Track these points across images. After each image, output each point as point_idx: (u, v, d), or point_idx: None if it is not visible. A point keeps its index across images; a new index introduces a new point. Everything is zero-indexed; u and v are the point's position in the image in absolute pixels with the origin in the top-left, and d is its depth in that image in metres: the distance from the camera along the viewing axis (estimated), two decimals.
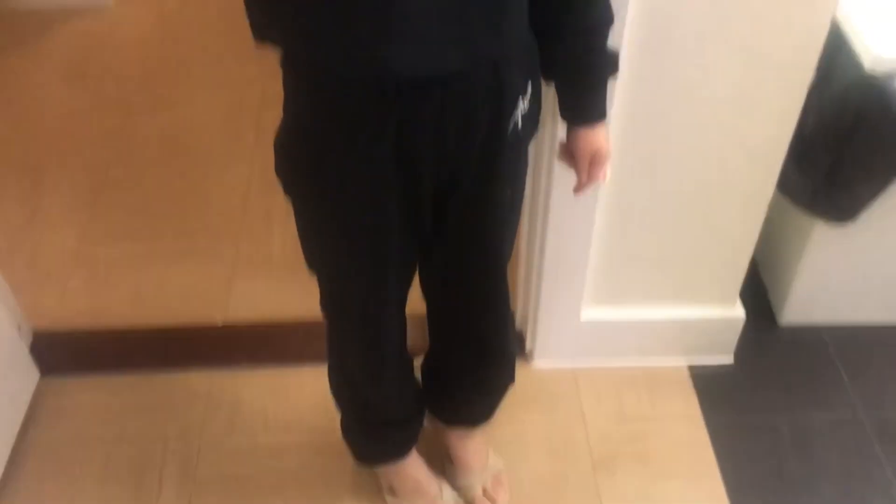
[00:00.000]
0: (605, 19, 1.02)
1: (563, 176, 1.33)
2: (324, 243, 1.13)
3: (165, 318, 1.78)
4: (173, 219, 2.00)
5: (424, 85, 0.91)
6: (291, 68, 0.98)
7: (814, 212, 1.51)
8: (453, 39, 0.89)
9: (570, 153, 1.13)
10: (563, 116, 1.11)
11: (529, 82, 1.01)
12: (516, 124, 1.01)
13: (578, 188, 1.15)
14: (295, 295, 1.79)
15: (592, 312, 1.61)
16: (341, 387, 1.36)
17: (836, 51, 1.39)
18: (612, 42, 1.05)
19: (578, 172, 1.13)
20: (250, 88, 2.36)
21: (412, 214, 1.06)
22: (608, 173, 1.14)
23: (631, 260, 1.53)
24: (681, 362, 1.70)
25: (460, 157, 1.00)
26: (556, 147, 1.19)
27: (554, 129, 1.29)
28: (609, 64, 1.06)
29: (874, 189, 1.42)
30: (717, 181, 1.42)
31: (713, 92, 1.30)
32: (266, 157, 1.85)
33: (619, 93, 1.28)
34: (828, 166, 1.43)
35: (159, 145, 2.21)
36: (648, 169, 1.40)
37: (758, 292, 1.82)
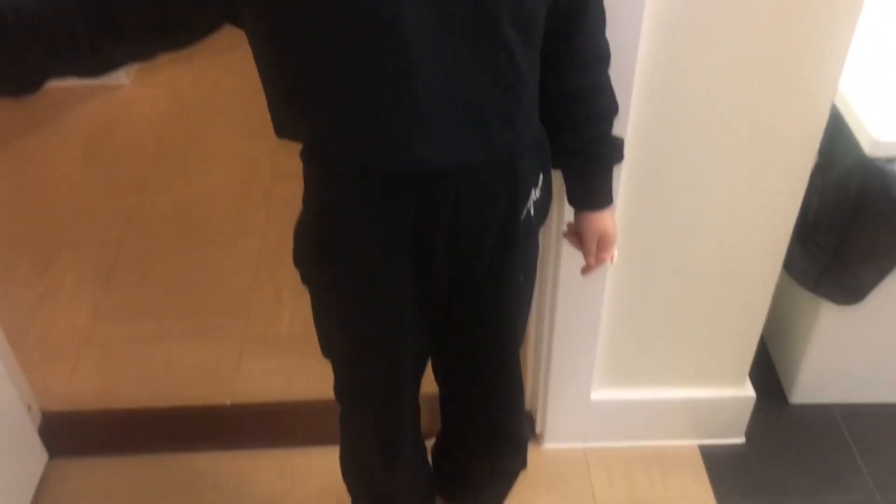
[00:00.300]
0: (611, 109, 1.06)
1: (571, 259, 1.35)
2: (341, 332, 1.14)
3: (174, 398, 1.78)
4: (184, 296, 2.02)
5: (443, 176, 0.94)
6: (312, 161, 1.00)
7: (820, 293, 1.52)
8: (470, 133, 0.92)
9: (577, 235, 1.16)
10: (571, 202, 1.13)
11: (541, 174, 1.04)
12: (529, 212, 1.04)
13: (586, 270, 1.17)
14: (303, 374, 1.80)
15: (602, 393, 1.61)
16: (354, 473, 1.35)
17: (837, 135, 1.42)
18: (616, 130, 1.08)
19: (586, 255, 1.15)
20: (261, 165, 2.40)
21: (427, 303, 1.07)
22: (616, 255, 1.16)
23: (640, 341, 1.54)
24: (692, 442, 1.69)
25: (475, 245, 1.02)
26: (564, 229, 1.21)
27: (561, 212, 1.31)
28: (615, 151, 1.09)
29: (880, 271, 1.43)
30: (723, 264, 1.43)
31: (717, 177, 1.33)
32: (276, 231, 1.85)
33: (625, 178, 1.30)
34: (833, 248, 1.44)
35: (172, 222, 2.24)
36: (656, 251, 1.41)
37: (768, 371, 1.82)
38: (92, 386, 1.81)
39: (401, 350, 1.12)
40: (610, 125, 1.07)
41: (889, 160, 1.34)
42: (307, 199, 1.04)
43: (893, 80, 1.45)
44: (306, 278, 1.10)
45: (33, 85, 0.90)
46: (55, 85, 2.87)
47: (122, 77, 2.80)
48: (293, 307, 1.96)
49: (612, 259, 1.15)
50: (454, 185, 0.95)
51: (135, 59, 0.92)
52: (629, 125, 1.24)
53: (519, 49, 0.89)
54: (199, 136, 2.56)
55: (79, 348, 1.89)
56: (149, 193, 2.34)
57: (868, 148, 1.35)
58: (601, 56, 1.03)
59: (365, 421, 1.23)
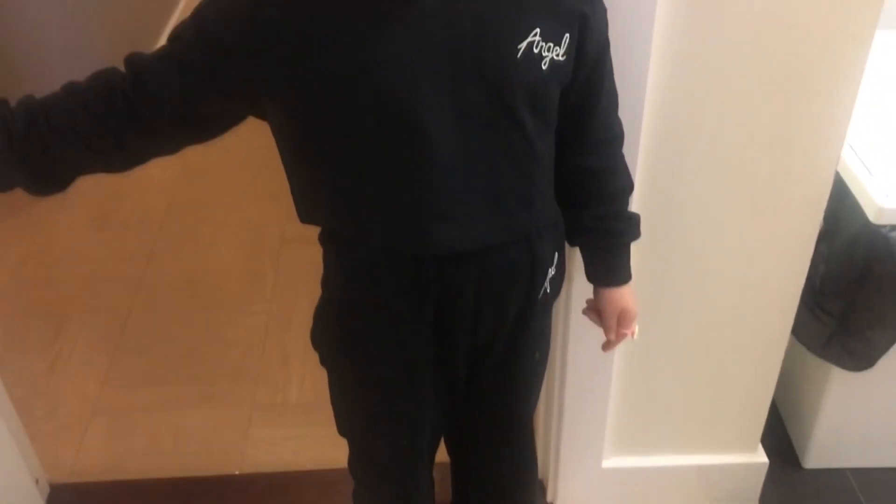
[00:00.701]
0: (626, 186, 1.08)
1: (580, 328, 1.35)
2: (360, 413, 1.14)
3: (182, 468, 1.76)
4: (192, 363, 2.02)
5: (464, 258, 0.96)
6: (334, 244, 1.01)
7: (829, 359, 1.52)
8: (490, 216, 0.94)
9: (596, 312, 1.16)
10: (590, 279, 1.14)
11: (556, 252, 1.05)
12: (546, 290, 1.05)
13: (607, 346, 1.18)
14: (313, 442, 1.78)
15: (614, 461, 1.59)
16: None
17: (842, 201, 1.44)
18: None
19: (607, 331, 1.16)
20: (269, 229, 2.42)
21: (446, 381, 1.08)
22: (637, 330, 1.16)
23: (650, 409, 1.53)
24: None
25: (495, 324, 1.03)
26: (583, 304, 1.22)
27: (569, 285, 1.32)
28: (632, 228, 1.10)
29: (889, 337, 1.43)
30: (732, 330, 1.44)
31: (723, 245, 1.34)
32: (284, 297, 1.85)
33: (634, 248, 1.31)
34: (840, 314, 1.44)
35: (180, 289, 2.25)
36: (664, 318, 1.42)
37: (781, 436, 1.80)
38: (100, 457, 1.80)
39: (420, 428, 1.12)
40: (626, 202, 1.09)
41: (893, 227, 1.35)
42: (327, 282, 1.05)
43: (893, 147, 1.46)
44: (326, 359, 1.10)
45: (63, 183, 0.93)
46: None
47: None
48: (301, 373, 1.96)
49: (633, 335, 1.16)
50: (476, 266, 0.97)
51: (163, 153, 0.95)
52: (634, 195, 1.25)
53: (534, 131, 0.91)
54: (208, 202, 2.59)
55: (87, 418, 1.88)
56: (158, 260, 2.35)
57: (872, 215, 1.36)
58: (616, 135, 1.05)
59: (381, 497, 1.22)
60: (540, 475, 1.67)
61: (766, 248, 1.35)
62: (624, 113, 1.10)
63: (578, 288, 1.27)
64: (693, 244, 1.34)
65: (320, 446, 1.77)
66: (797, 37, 1.14)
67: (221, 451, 1.80)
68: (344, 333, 1.06)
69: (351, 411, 1.15)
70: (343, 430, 1.17)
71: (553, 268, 1.05)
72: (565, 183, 1.04)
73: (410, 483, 1.19)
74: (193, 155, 3.02)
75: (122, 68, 0.91)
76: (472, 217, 0.93)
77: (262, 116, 0.91)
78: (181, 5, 3.31)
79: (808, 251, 1.37)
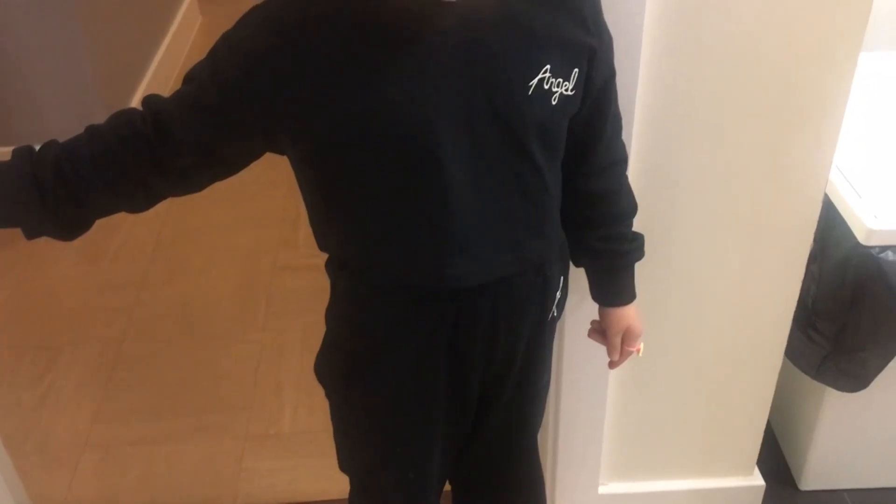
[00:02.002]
0: (630, 208, 1.10)
1: (574, 352, 1.36)
2: (367, 448, 1.13)
3: (175, 501, 1.74)
4: (185, 394, 2.00)
5: (478, 290, 0.96)
6: (345, 273, 1.00)
7: (823, 380, 1.52)
8: (503, 247, 0.95)
9: (601, 333, 1.17)
10: (596, 300, 1.16)
11: (562, 276, 1.07)
12: (553, 314, 1.07)
13: (612, 365, 1.19)
14: (307, 472, 1.77)
15: (611, 487, 1.59)
16: None
17: (832, 223, 1.44)
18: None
19: (611, 350, 1.17)
20: (261, 258, 2.42)
21: (458, 411, 1.08)
22: (642, 347, 1.18)
23: (646, 433, 1.52)
24: None
25: (510, 351, 1.03)
26: (575, 326, 1.23)
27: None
28: (637, 248, 1.12)
29: (882, 358, 1.43)
30: (725, 354, 1.44)
31: (714, 268, 1.34)
32: (276, 325, 1.84)
33: None
34: (833, 335, 1.45)
35: (172, 320, 2.24)
36: (657, 343, 1.42)
37: (777, 459, 1.79)
38: (91, 491, 1.77)
39: (429, 459, 1.11)
40: (630, 223, 1.11)
41: (883, 249, 1.36)
42: (335, 314, 1.04)
43: (885, 170, 1.48)
44: (332, 392, 1.09)
45: (89, 224, 0.95)
46: None
47: None
48: (295, 403, 1.95)
49: (638, 352, 1.17)
50: (490, 297, 0.97)
51: (189, 192, 0.96)
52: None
53: (544, 163, 0.92)
54: (198, 231, 2.58)
55: (79, 451, 1.86)
56: (149, 291, 2.34)
57: (862, 237, 1.37)
58: (621, 158, 1.07)
59: None
60: None
61: (757, 273, 1.36)
62: None
63: (571, 311, 1.28)
64: (684, 269, 1.34)
65: (314, 477, 1.75)
66: (783, 61, 1.15)
67: (215, 483, 1.78)
68: (353, 367, 1.05)
69: (356, 443, 1.13)
70: (345, 465, 1.15)
71: (560, 290, 1.06)
72: (571, 205, 1.05)
73: None
74: None
75: (136, 106, 0.92)
76: (487, 251, 0.93)
77: (280, 152, 0.92)
78: (170, 33, 3.32)
79: (799, 274, 1.37)
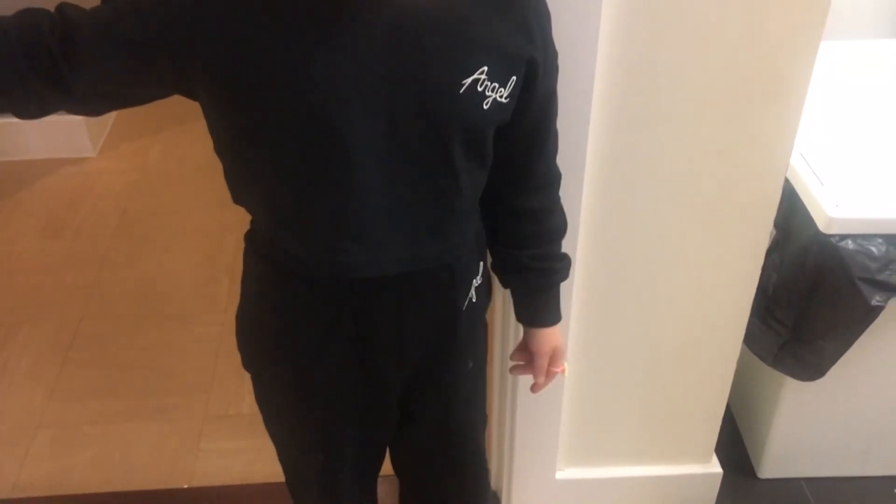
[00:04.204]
0: (562, 227, 1.08)
1: None
2: (279, 422, 1.12)
3: (130, 482, 1.72)
4: (143, 374, 1.98)
5: (379, 283, 0.94)
6: (253, 245, 1.00)
7: (780, 369, 1.51)
8: (400, 244, 0.92)
9: (527, 356, 1.16)
10: (523, 321, 1.14)
11: (481, 263, 1.04)
12: (471, 299, 1.04)
13: (536, 388, 1.17)
14: (265, 455, 1.71)
15: (568, 472, 1.58)
16: None
17: (794, 211, 1.44)
18: (570, 212, 1.09)
19: (537, 373, 1.15)
20: (225, 239, 2.39)
21: (375, 399, 1.06)
22: (567, 368, 1.17)
23: (603, 419, 1.52)
24: None
25: (420, 344, 1.01)
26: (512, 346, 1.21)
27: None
28: (565, 268, 1.10)
29: (838, 347, 1.43)
30: (683, 341, 1.43)
31: (673, 254, 1.33)
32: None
33: (582, 257, 1.30)
34: (792, 324, 1.44)
35: (133, 298, 2.21)
36: (615, 329, 1.41)
37: (737, 446, 1.80)
38: (45, 471, 1.75)
39: (337, 443, 1.10)
40: (560, 243, 1.09)
41: (843, 237, 1.35)
42: (245, 283, 1.03)
43: (846, 158, 1.47)
44: (245, 363, 1.08)
45: None
46: (20, 158, 2.85)
47: (90, 149, 2.79)
48: None
49: (563, 371, 1.16)
50: (392, 292, 0.95)
51: (81, 114, 0.91)
52: (583, 206, 1.24)
53: (463, 169, 0.90)
54: (163, 210, 2.55)
55: (33, 431, 1.83)
56: (110, 269, 2.31)
57: (822, 225, 1.36)
58: (556, 177, 1.05)
59: None
60: (494, 487, 1.65)
61: (716, 258, 1.35)
62: (569, 125, 1.09)
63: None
64: (642, 254, 1.33)
65: (272, 459, 1.69)
66: (744, 48, 1.14)
67: (171, 464, 1.76)
68: (261, 339, 1.04)
69: (270, 418, 1.12)
70: (270, 435, 1.15)
71: (479, 277, 1.03)
72: (503, 222, 1.04)
73: (332, 498, 1.17)
74: (151, 163, 2.98)
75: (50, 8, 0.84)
76: (383, 244, 0.91)
77: (192, 98, 0.88)
78: None
79: (759, 261, 1.37)
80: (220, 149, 0.91)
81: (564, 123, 1.04)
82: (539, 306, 1.11)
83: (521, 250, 1.05)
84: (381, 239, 0.90)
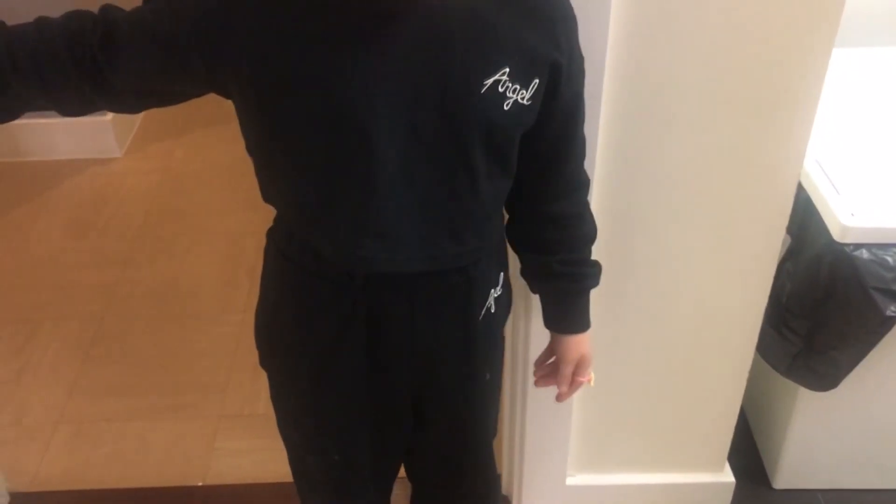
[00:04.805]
0: (591, 233, 1.08)
1: (542, 344, 1.34)
2: (293, 420, 1.14)
3: (145, 478, 1.75)
4: (161, 372, 2.00)
5: (394, 281, 0.95)
6: (273, 240, 1.02)
7: (794, 378, 1.50)
8: (418, 244, 0.93)
9: (550, 365, 1.16)
10: (551, 327, 1.13)
11: (501, 273, 1.04)
12: (489, 310, 1.04)
13: (561, 397, 1.16)
14: (277, 454, 1.72)
15: (579, 479, 1.58)
16: None
17: (808, 219, 1.42)
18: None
19: (561, 381, 1.14)
20: (247, 240, 2.41)
21: (389, 403, 1.06)
22: (593, 377, 1.15)
23: (615, 426, 1.51)
24: None
25: (434, 349, 1.02)
26: (537, 352, 1.21)
27: (529, 303, 1.31)
28: (595, 275, 1.09)
29: (852, 358, 1.41)
30: (696, 349, 1.42)
31: (687, 264, 1.33)
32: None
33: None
34: (805, 333, 1.43)
35: (155, 297, 2.24)
36: (628, 336, 1.40)
37: (752, 456, 1.78)
38: (63, 466, 1.78)
39: (352, 444, 1.11)
40: (590, 249, 1.08)
41: (857, 246, 1.34)
42: (264, 278, 1.05)
43: (863, 166, 1.45)
44: (263, 360, 1.10)
45: (14, 114, 0.93)
46: (47, 158, 2.88)
47: (115, 150, 2.84)
48: None
49: (590, 381, 1.15)
50: (406, 291, 0.96)
51: (119, 111, 0.96)
52: (596, 213, 1.24)
53: (483, 172, 0.90)
54: (187, 211, 2.58)
55: (52, 426, 1.87)
56: (133, 268, 2.34)
57: (836, 234, 1.35)
58: (585, 182, 1.05)
59: None
60: (504, 492, 1.65)
61: (728, 267, 1.34)
62: None
63: (538, 307, 1.26)
64: (655, 263, 1.33)
65: (286, 459, 1.74)
66: (755, 55, 1.13)
67: (185, 461, 1.78)
68: (278, 336, 1.05)
69: (285, 417, 1.14)
70: (281, 434, 1.16)
71: (499, 287, 1.04)
72: (533, 227, 1.04)
73: (346, 500, 1.18)
74: (175, 164, 3.01)
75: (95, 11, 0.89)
76: (402, 242, 0.92)
77: (225, 96, 0.90)
78: None
79: (771, 269, 1.36)
80: (251, 146, 0.93)
81: None
82: (568, 312, 1.10)
83: (550, 255, 1.05)
84: (399, 236, 0.91)
